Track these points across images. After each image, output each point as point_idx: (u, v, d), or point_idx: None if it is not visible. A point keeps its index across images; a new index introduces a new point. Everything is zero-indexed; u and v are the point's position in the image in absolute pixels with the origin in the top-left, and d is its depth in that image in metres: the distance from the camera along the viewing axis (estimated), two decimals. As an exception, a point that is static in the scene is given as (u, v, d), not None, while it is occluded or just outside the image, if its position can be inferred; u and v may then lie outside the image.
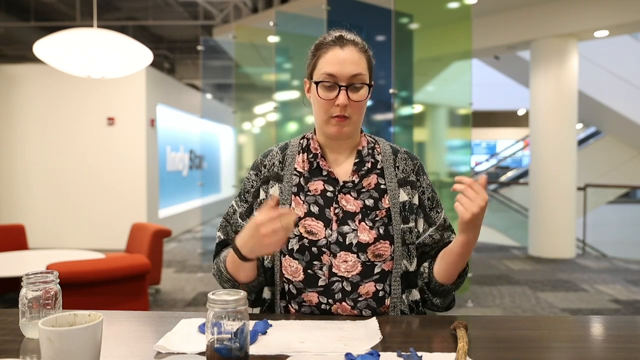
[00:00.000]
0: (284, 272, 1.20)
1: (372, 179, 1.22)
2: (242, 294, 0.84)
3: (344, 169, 1.23)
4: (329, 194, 1.21)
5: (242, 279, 1.14)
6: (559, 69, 6.74)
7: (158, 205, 8.15)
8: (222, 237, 1.25)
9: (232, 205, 1.27)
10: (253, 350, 0.93)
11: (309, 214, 1.19)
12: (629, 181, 10.14)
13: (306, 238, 1.17)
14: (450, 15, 4.89)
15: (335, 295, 1.16)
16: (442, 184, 5.39)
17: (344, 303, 1.17)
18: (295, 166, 1.24)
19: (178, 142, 9.45)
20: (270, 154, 1.28)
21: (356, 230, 1.17)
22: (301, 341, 0.99)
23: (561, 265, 6.35)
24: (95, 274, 3.25)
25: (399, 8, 4.26)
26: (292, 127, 5.64)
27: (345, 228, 1.17)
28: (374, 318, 1.12)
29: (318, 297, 1.17)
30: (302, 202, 1.20)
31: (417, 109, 5.11)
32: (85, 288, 3.21)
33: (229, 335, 0.82)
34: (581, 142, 11.17)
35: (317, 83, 1.16)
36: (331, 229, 1.17)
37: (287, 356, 0.91)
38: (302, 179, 1.23)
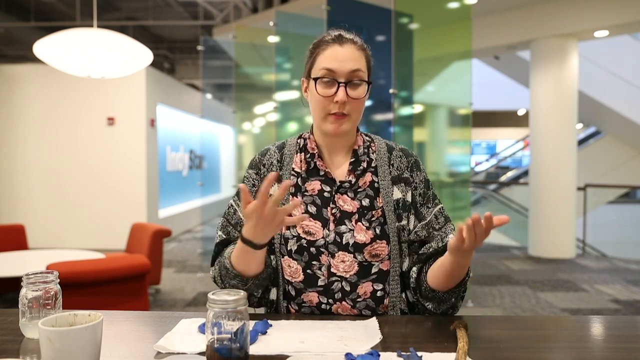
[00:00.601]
0: (284, 273, 1.20)
1: (367, 178, 1.22)
2: (242, 294, 0.84)
3: (340, 169, 1.23)
4: (326, 194, 1.21)
5: (253, 270, 1.11)
6: (559, 69, 6.74)
7: (158, 205, 8.15)
8: (223, 236, 1.23)
9: (232, 205, 1.25)
10: (253, 350, 0.93)
11: (306, 214, 1.19)
12: (629, 181, 10.14)
13: (304, 238, 1.17)
14: (450, 15, 4.89)
15: (335, 295, 1.16)
16: (442, 184, 5.40)
17: (343, 303, 1.17)
18: (293, 166, 1.24)
19: (178, 142, 9.45)
20: (268, 153, 1.27)
21: (353, 230, 1.17)
22: (301, 341, 0.99)
23: (561, 265, 6.35)
24: (95, 274, 3.25)
25: (399, 8, 4.26)
26: (292, 127, 5.64)
27: (343, 228, 1.17)
28: (374, 318, 1.12)
29: (318, 297, 1.17)
30: (299, 203, 1.20)
31: (417, 109, 5.11)
32: (85, 288, 3.21)
33: (229, 335, 0.82)
34: (581, 142, 11.17)
35: (315, 79, 1.16)
36: (329, 229, 1.17)
37: (287, 356, 0.91)
38: (299, 179, 1.23)
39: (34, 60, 6.11)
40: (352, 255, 1.16)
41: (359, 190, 1.21)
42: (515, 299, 4.76)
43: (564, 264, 6.40)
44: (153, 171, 7.87)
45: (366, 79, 1.18)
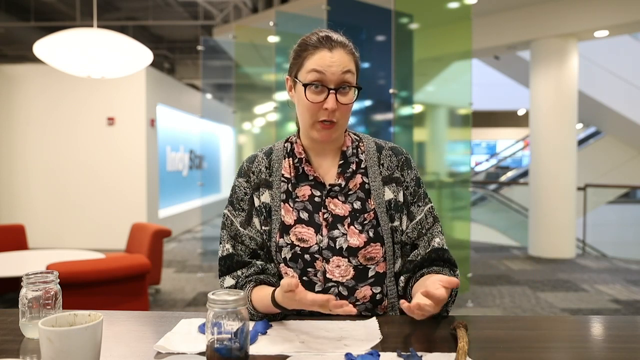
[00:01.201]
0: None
1: (358, 179, 1.20)
2: (242, 294, 0.84)
3: (329, 172, 1.21)
4: (316, 198, 1.19)
5: (276, 312, 1.10)
6: (559, 69, 6.74)
7: (158, 205, 8.15)
8: (230, 250, 1.19)
9: (228, 217, 1.23)
10: (253, 350, 0.93)
11: (299, 221, 1.17)
12: (629, 181, 10.14)
13: (298, 246, 1.16)
14: (450, 15, 4.89)
15: None
16: (442, 184, 5.39)
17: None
18: (283, 172, 1.22)
19: (178, 142, 9.45)
20: (256, 160, 1.24)
21: (346, 234, 1.16)
22: (301, 341, 0.99)
23: (561, 265, 6.35)
24: (95, 274, 3.25)
25: (399, 8, 4.26)
26: (292, 127, 5.64)
27: (335, 233, 1.16)
28: (374, 318, 1.12)
29: None
30: (291, 209, 1.19)
31: (417, 109, 5.11)
32: (85, 288, 3.21)
33: (229, 335, 0.82)
34: (581, 142, 11.17)
35: (305, 85, 1.13)
36: (322, 235, 1.16)
37: (287, 356, 0.91)
38: (289, 185, 1.21)
39: (34, 60, 6.11)
40: (346, 260, 1.15)
41: (349, 193, 1.19)
42: (515, 299, 4.75)
43: (564, 264, 6.40)
44: (153, 171, 7.87)
45: (355, 84, 1.15)
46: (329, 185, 1.19)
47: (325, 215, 1.17)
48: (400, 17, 4.40)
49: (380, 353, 0.91)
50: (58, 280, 1.04)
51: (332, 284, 1.16)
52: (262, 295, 1.09)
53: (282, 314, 1.12)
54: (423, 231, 1.19)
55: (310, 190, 1.20)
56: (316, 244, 1.16)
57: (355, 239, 1.15)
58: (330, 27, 1.21)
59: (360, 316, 1.17)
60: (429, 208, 1.22)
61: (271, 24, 5.07)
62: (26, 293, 1.01)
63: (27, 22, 8.85)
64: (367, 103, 4.68)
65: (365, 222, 1.17)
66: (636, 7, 6.15)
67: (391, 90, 4.01)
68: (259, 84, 7.63)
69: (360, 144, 1.25)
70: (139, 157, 7.55)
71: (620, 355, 0.94)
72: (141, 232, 4.62)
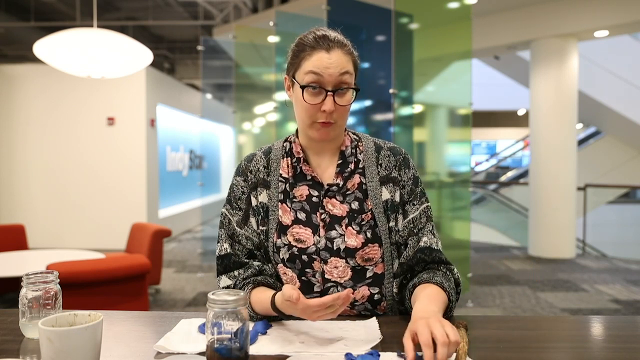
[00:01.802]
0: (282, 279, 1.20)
1: (356, 180, 1.20)
2: (242, 294, 0.84)
3: (328, 172, 1.21)
4: (314, 198, 1.18)
5: (275, 314, 1.10)
6: (559, 69, 6.74)
7: (158, 205, 8.15)
8: (228, 249, 1.19)
9: (226, 215, 1.22)
10: (253, 350, 0.93)
11: (296, 221, 1.17)
12: (629, 181, 10.14)
13: (295, 246, 1.16)
14: (450, 15, 4.89)
15: None
16: (442, 184, 5.39)
17: None
18: (281, 172, 1.21)
19: (178, 142, 9.45)
20: (254, 159, 1.24)
21: (343, 235, 1.15)
22: (301, 341, 0.99)
23: (561, 265, 6.35)
24: (95, 274, 3.25)
25: (399, 8, 4.26)
26: (292, 127, 5.64)
27: (333, 233, 1.15)
28: (374, 318, 1.12)
29: None
30: (289, 210, 1.18)
31: (417, 109, 5.11)
32: (85, 288, 3.21)
33: (229, 335, 0.82)
34: (581, 142, 11.18)
35: (302, 87, 1.12)
36: (319, 235, 1.15)
37: (287, 356, 0.91)
38: (287, 185, 1.20)
39: (34, 60, 6.11)
40: (344, 261, 1.14)
41: (347, 193, 1.18)
42: (515, 299, 4.75)
43: (564, 264, 6.40)
44: (153, 171, 7.87)
45: (353, 84, 1.15)
46: (327, 185, 1.19)
47: (322, 216, 1.17)
48: (400, 17, 4.40)
49: (380, 353, 0.91)
50: (58, 280, 1.04)
51: (331, 284, 1.15)
52: (261, 298, 1.09)
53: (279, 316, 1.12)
54: (415, 230, 1.17)
55: (308, 190, 1.19)
56: (313, 244, 1.15)
57: (353, 240, 1.14)
58: (329, 26, 1.20)
59: (360, 316, 1.17)
60: (425, 208, 1.20)
61: (271, 24, 5.07)
62: (26, 293, 1.01)
63: (27, 22, 8.85)
64: (367, 103, 4.69)
65: (363, 222, 1.16)
66: (636, 7, 6.15)
67: (391, 90, 4.01)
68: (259, 84, 7.64)
69: (359, 143, 1.24)
70: (139, 157, 7.55)
71: (620, 355, 0.94)
72: (141, 232, 4.62)
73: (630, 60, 9.44)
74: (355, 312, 1.17)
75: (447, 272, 1.16)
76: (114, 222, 7.41)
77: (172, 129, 9.10)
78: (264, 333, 1.03)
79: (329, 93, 1.11)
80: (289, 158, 1.22)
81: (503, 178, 13.31)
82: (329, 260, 1.15)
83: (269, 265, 1.20)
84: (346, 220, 1.16)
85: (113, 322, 1.11)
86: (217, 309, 0.82)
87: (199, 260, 6.70)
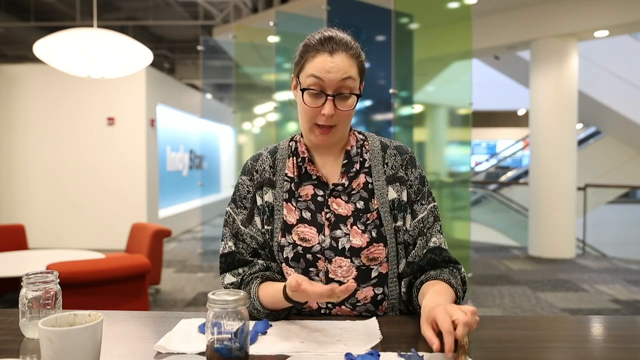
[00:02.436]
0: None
1: (361, 179, 1.20)
2: (242, 294, 0.84)
3: (333, 172, 1.21)
4: (319, 198, 1.18)
5: (284, 307, 1.10)
6: (559, 69, 6.74)
7: (158, 205, 8.15)
8: (233, 247, 1.19)
9: (230, 214, 1.22)
10: (253, 350, 0.93)
11: (301, 220, 1.17)
12: (629, 181, 10.14)
13: (300, 245, 1.16)
14: (450, 15, 4.89)
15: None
16: (442, 184, 5.40)
17: (343, 307, 1.16)
18: (286, 171, 1.22)
19: (178, 142, 9.45)
20: (260, 159, 1.24)
21: (348, 234, 1.15)
22: (301, 341, 0.99)
23: (561, 265, 6.35)
24: (95, 274, 3.25)
25: (399, 8, 4.26)
26: (292, 127, 5.64)
27: (338, 233, 1.15)
28: (374, 318, 1.12)
29: (317, 302, 1.16)
30: (294, 209, 1.18)
31: (417, 109, 5.11)
32: (85, 288, 3.21)
33: (229, 335, 0.82)
34: (581, 142, 11.18)
35: (303, 90, 1.12)
36: (324, 235, 1.16)
37: (287, 356, 0.91)
38: (292, 184, 1.20)
39: (34, 60, 6.11)
40: (349, 260, 1.14)
41: (352, 192, 1.18)
42: (515, 299, 4.76)
43: (564, 264, 6.40)
44: (153, 171, 7.87)
45: (357, 90, 1.13)
46: (332, 184, 1.19)
47: (327, 215, 1.17)
48: (400, 17, 4.40)
49: (380, 353, 0.91)
50: (58, 280, 1.04)
51: (334, 283, 1.15)
52: (271, 291, 1.09)
53: (284, 313, 1.12)
54: (424, 230, 1.18)
55: (313, 189, 1.19)
56: (318, 243, 1.15)
57: (358, 239, 1.14)
58: (337, 26, 1.18)
59: (360, 316, 1.17)
60: (432, 207, 1.20)
61: (271, 24, 5.07)
62: (26, 293, 1.01)
63: (27, 22, 8.85)
64: (367, 103, 4.69)
65: (368, 222, 1.16)
66: (636, 7, 6.15)
67: (391, 90, 4.01)
68: (259, 84, 7.64)
69: (365, 143, 1.24)
70: (139, 157, 7.55)
71: (620, 355, 0.94)
72: (141, 232, 4.62)
73: (630, 60, 9.44)
74: (356, 312, 1.17)
75: (455, 270, 1.17)
76: (114, 222, 7.41)
77: (172, 129, 9.11)
78: (264, 333, 1.03)
79: (329, 97, 1.10)
80: (295, 157, 1.22)
81: (503, 178, 13.31)
82: (333, 260, 1.15)
83: (274, 264, 1.20)
84: (351, 220, 1.16)
85: (113, 322, 1.11)
86: (217, 309, 0.82)
87: (199, 260, 6.70)
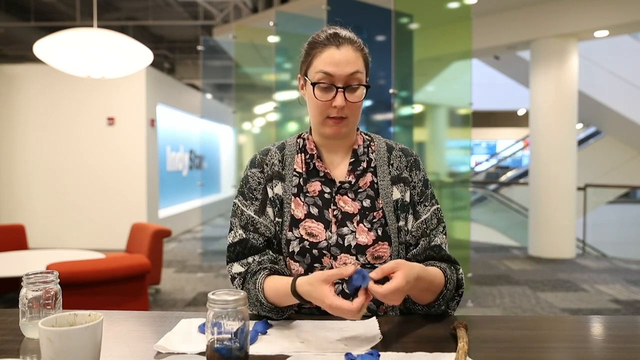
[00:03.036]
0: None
1: (368, 178, 1.22)
2: (242, 294, 0.84)
3: (340, 169, 1.23)
4: (326, 195, 1.20)
5: (289, 304, 1.10)
6: (559, 69, 6.74)
7: (158, 205, 8.15)
8: (243, 234, 1.18)
9: (238, 206, 1.22)
10: (253, 350, 0.93)
11: (309, 215, 1.18)
12: (629, 181, 10.14)
13: (307, 240, 1.16)
14: (450, 15, 4.89)
15: None
16: (442, 184, 5.40)
17: None
18: (295, 167, 1.23)
19: (178, 142, 9.45)
20: (270, 153, 1.25)
21: (355, 232, 1.16)
22: (301, 341, 0.99)
23: (561, 265, 6.35)
24: (95, 274, 3.25)
25: (399, 8, 4.26)
26: (292, 127, 5.64)
27: (345, 230, 1.17)
28: (374, 318, 1.12)
29: None
30: (302, 204, 1.20)
31: (417, 109, 5.11)
32: (85, 288, 3.21)
33: (229, 335, 0.82)
34: (581, 142, 11.18)
35: (313, 84, 1.14)
36: (331, 231, 1.17)
37: (287, 356, 0.91)
38: (301, 179, 1.22)
39: (34, 60, 6.11)
40: (354, 258, 1.15)
41: (359, 190, 1.20)
42: (515, 299, 4.76)
43: (564, 264, 6.40)
44: (153, 171, 7.87)
45: (364, 81, 1.16)
46: (339, 182, 1.20)
47: (334, 212, 1.18)
48: (400, 17, 4.40)
49: (380, 353, 0.91)
50: (58, 280, 1.04)
51: (338, 281, 1.15)
52: (278, 284, 1.08)
53: (287, 312, 1.12)
54: (427, 231, 1.19)
55: (321, 186, 1.21)
56: (325, 240, 1.16)
57: (364, 237, 1.16)
58: (339, 24, 1.21)
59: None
60: (435, 209, 1.22)
61: (271, 24, 5.07)
62: (26, 293, 1.01)
63: (27, 22, 8.85)
64: (367, 103, 4.69)
65: (374, 220, 1.17)
66: (636, 7, 6.15)
67: (391, 90, 4.01)
68: (259, 84, 7.64)
69: (371, 143, 1.26)
70: (139, 157, 7.55)
71: (620, 355, 0.94)
72: (141, 232, 4.62)
73: (630, 60, 9.44)
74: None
75: (452, 268, 1.18)
76: (114, 222, 7.41)
77: (172, 129, 9.11)
78: (264, 333, 1.04)
79: (339, 90, 1.13)
80: (303, 154, 1.24)
81: (503, 178, 13.31)
82: (338, 257, 1.16)
83: (282, 257, 1.20)
84: (357, 218, 1.18)
85: (113, 322, 1.11)
86: (217, 308, 0.82)
87: (199, 260, 6.70)
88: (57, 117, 7.55)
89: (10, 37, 9.91)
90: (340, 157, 1.24)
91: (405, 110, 4.70)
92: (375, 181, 1.21)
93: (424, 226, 1.19)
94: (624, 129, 9.77)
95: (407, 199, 1.21)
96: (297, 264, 1.17)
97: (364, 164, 1.22)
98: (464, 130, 5.41)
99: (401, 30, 4.42)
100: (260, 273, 1.14)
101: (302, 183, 1.21)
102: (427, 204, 1.22)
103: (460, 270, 1.20)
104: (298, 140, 1.27)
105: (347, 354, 0.89)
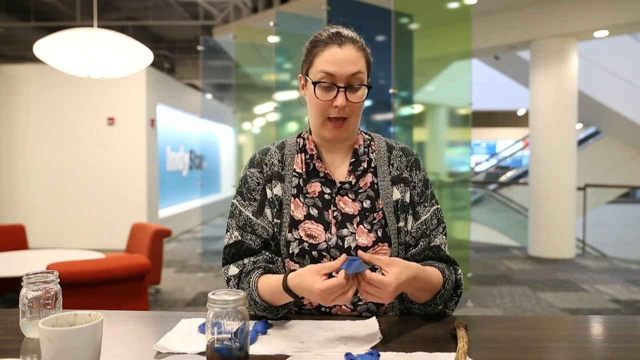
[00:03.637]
0: None
1: (368, 178, 1.20)
2: (242, 294, 0.84)
3: (340, 170, 1.21)
4: (326, 196, 1.19)
5: (284, 301, 1.10)
6: (559, 69, 6.74)
7: (158, 205, 8.15)
8: (238, 237, 1.18)
9: (236, 206, 1.21)
10: (253, 350, 0.93)
11: (308, 216, 1.17)
12: (629, 181, 10.14)
13: (306, 242, 1.16)
14: (450, 15, 4.89)
15: None
16: (442, 184, 5.40)
17: (343, 306, 1.16)
18: (295, 167, 1.22)
19: (178, 142, 9.45)
20: (269, 153, 1.24)
21: (354, 233, 1.15)
22: (301, 341, 0.99)
23: (561, 265, 6.35)
24: (95, 274, 3.25)
25: (399, 8, 4.26)
26: (292, 127, 5.64)
27: (344, 231, 1.16)
28: (374, 318, 1.12)
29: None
30: (301, 205, 1.19)
31: (417, 109, 5.11)
32: (85, 288, 3.21)
33: (229, 335, 0.82)
34: (581, 142, 11.18)
35: (314, 83, 1.13)
36: (331, 233, 1.16)
37: (287, 356, 0.91)
38: (301, 180, 1.21)
39: (34, 60, 6.11)
40: None
41: (359, 191, 1.19)
42: (515, 299, 4.76)
43: (564, 264, 6.40)
44: (153, 171, 7.87)
45: (366, 81, 1.15)
46: (339, 182, 1.19)
47: (334, 213, 1.17)
48: (400, 17, 4.40)
49: (380, 353, 0.91)
50: (58, 280, 1.04)
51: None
52: (271, 282, 1.08)
53: (283, 311, 1.11)
54: (427, 232, 1.19)
55: (321, 187, 1.20)
56: (325, 241, 1.15)
57: (364, 238, 1.15)
58: (342, 23, 1.20)
59: (360, 316, 1.17)
60: (435, 210, 1.21)
61: (271, 24, 5.07)
62: (26, 293, 1.01)
63: (27, 22, 8.85)
64: (367, 103, 4.68)
65: (374, 221, 1.16)
66: (636, 7, 6.15)
67: (391, 90, 4.01)
68: (259, 84, 7.64)
69: (371, 143, 1.25)
70: (139, 157, 7.55)
71: (620, 355, 0.94)
72: (141, 232, 4.62)
73: (630, 60, 9.44)
74: (356, 312, 1.17)
75: (451, 269, 1.18)
76: (114, 222, 7.41)
77: (172, 129, 9.10)
78: (264, 333, 1.04)
79: (340, 89, 1.12)
80: (303, 154, 1.22)
81: (503, 178, 13.31)
82: (338, 258, 1.15)
83: (279, 258, 1.20)
84: (357, 219, 1.16)
85: (113, 322, 1.11)
86: (217, 308, 0.82)
87: (199, 260, 6.70)
88: (57, 117, 7.55)
89: (10, 37, 9.91)
90: (341, 158, 1.22)
91: (405, 110, 4.70)
92: (376, 181, 1.20)
93: (424, 227, 1.19)
94: (624, 129, 9.78)
95: (407, 199, 1.20)
96: (297, 265, 1.16)
97: (364, 164, 1.21)
98: (463, 130, 5.41)
99: (401, 30, 4.42)
100: (254, 272, 1.13)
101: (301, 184, 1.20)
102: (427, 204, 1.21)
103: (459, 271, 1.20)
104: (298, 140, 1.25)
105: (347, 354, 0.89)
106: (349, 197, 1.19)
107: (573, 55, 6.79)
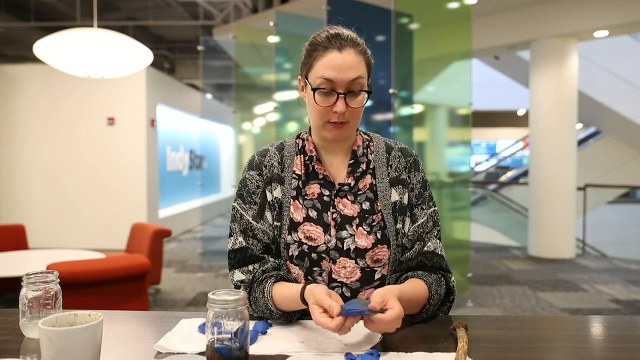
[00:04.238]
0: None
1: (367, 180, 1.19)
2: (242, 294, 0.84)
3: (339, 171, 1.20)
4: (325, 197, 1.18)
5: (297, 309, 1.09)
6: (559, 69, 6.74)
7: (158, 205, 8.15)
8: (243, 243, 1.16)
9: (237, 210, 1.20)
10: (253, 350, 0.93)
11: (307, 219, 1.16)
12: (629, 181, 10.15)
13: (305, 244, 1.15)
14: (450, 15, 4.89)
15: None
16: (442, 184, 5.39)
17: None
18: (294, 168, 1.21)
19: (178, 142, 9.45)
20: (268, 154, 1.22)
21: (354, 235, 1.15)
22: (301, 341, 0.99)
23: (561, 265, 6.35)
24: (95, 274, 3.25)
25: (399, 8, 4.26)
26: (292, 127, 5.64)
27: (344, 233, 1.15)
28: (374, 318, 1.11)
29: None
30: (300, 206, 1.18)
31: (417, 109, 5.11)
32: (85, 288, 3.21)
33: (229, 335, 0.82)
34: (581, 142, 11.18)
35: (314, 90, 1.11)
36: (330, 235, 1.15)
37: (287, 356, 0.91)
38: (300, 182, 1.20)
39: (34, 60, 6.11)
40: (353, 261, 1.14)
41: (359, 193, 1.18)
42: (515, 299, 4.76)
43: (564, 264, 6.40)
44: (153, 171, 7.87)
45: (366, 86, 1.13)
46: (339, 184, 1.18)
47: (334, 215, 1.16)
48: (400, 17, 4.40)
49: (380, 353, 0.91)
50: (58, 280, 1.04)
51: (337, 284, 1.15)
52: (286, 293, 1.08)
53: (297, 315, 1.11)
54: (423, 235, 1.18)
55: (320, 189, 1.19)
56: (324, 243, 1.14)
57: (363, 240, 1.14)
58: (342, 23, 1.18)
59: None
60: (432, 212, 1.20)
61: (271, 24, 5.07)
62: (26, 293, 1.01)
63: (27, 22, 8.85)
64: (367, 103, 4.68)
65: (373, 223, 1.15)
66: (636, 7, 6.15)
67: (391, 90, 4.01)
68: (259, 84, 7.64)
69: (370, 143, 1.24)
70: (139, 157, 7.55)
71: (620, 355, 0.94)
72: (141, 232, 4.62)
73: (630, 60, 9.44)
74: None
75: (441, 278, 1.17)
76: (114, 222, 7.41)
77: (172, 129, 9.11)
78: (264, 333, 1.04)
79: (340, 95, 1.10)
80: (302, 155, 1.21)
81: (503, 178, 13.31)
82: (337, 260, 1.14)
83: (279, 260, 1.19)
84: (357, 221, 1.15)
85: (113, 322, 1.11)
86: (217, 308, 0.82)
87: (199, 260, 6.70)
88: (57, 117, 7.55)
89: (10, 37, 9.91)
90: (340, 159, 1.21)
91: (405, 110, 4.70)
92: (374, 183, 1.19)
93: (420, 230, 1.18)
94: (624, 129, 9.78)
95: (405, 201, 1.19)
96: (297, 267, 1.16)
97: (364, 166, 1.20)
98: (463, 130, 5.41)
99: (401, 30, 4.42)
100: (266, 282, 1.13)
101: (300, 185, 1.19)
102: (424, 206, 1.20)
103: (452, 278, 1.19)
104: (297, 141, 1.24)
105: (347, 354, 0.89)
106: (348, 198, 1.18)
107: (573, 55, 6.79)
